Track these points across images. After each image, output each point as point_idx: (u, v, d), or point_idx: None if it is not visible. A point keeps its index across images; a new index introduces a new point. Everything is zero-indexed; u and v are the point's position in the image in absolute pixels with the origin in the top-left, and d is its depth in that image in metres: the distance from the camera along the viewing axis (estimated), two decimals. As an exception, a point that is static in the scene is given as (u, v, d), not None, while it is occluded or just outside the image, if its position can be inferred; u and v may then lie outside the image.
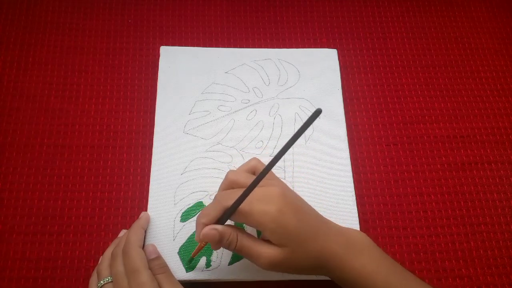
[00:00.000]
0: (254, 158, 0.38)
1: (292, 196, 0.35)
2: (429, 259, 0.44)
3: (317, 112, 0.28)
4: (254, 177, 0.33)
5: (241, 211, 0.33)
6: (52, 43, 0.52)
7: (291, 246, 0.33)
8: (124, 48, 0.53)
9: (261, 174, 0.32)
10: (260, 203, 0.33)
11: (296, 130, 0.30)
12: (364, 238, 0.36)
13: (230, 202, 0.33)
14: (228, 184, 0.36)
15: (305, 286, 0.42)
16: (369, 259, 0.35)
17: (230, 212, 0.33)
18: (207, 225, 0.34)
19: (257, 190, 0.33)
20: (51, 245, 0.42)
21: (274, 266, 0.33)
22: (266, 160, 0.46)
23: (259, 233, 0.41)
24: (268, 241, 0.34)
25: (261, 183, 0.33)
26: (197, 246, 0.37)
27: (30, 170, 0.45)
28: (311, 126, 0.48)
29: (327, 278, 0.40)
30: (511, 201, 0.47)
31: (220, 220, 0.34)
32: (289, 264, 0.34)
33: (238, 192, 0.33)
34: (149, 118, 0.48)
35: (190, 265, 0.40)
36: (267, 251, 0.33)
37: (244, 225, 0.40)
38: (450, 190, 0.47)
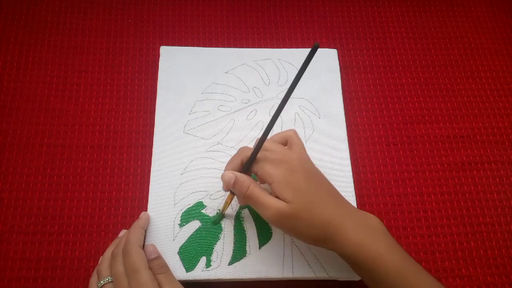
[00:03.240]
0: (292, 129, 0.39)
1: (310, 165, 0.37)
2: (429, 259, 0.44)
3: (316, 47, 0.29)
4: (279, 145, 0.36)
5: (257, 160, 0.36)
6: (52, 43, 0.52)
7: (298, 204, 0.33)
8: (124, 48, 0.53)
9: (272, 120, 0.34)
10: (275, 159, 0.35)
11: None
12: (379, 223, 0.36)
13: (248, 152, 0.36)
14: (239, 157, 0.38)
15: (305, 286, 0.42)
16: (383, 242, 0.34)
17: (250, 160, 0.36)
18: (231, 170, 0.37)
19: (279, 151, 0.36)
20: (51, 245, 0.42)
21: (279, 218, 0.34)
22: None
23: None
24: (274, 197, 0.35)
25: (288, 150, 0.36)
26: (225, 200, 0.40)
27: (30, 170, 0.45)
28: (311, 126, 0.48)
29: (327, 278, 0.41)
30: (511, 201, 0.47)
31: (243, 169, 0.37)
32: (294, 222, 0.34)
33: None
34: (149, 118, 0.48)
35: (215, 224, 0.42)
36: (275, 203, 0.34)
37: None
38: (450, 190, 0.47)
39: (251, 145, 0.46)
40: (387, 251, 0.34)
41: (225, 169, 0.38)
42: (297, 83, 0.32)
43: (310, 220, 0.34)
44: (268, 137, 0.36)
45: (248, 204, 0.37)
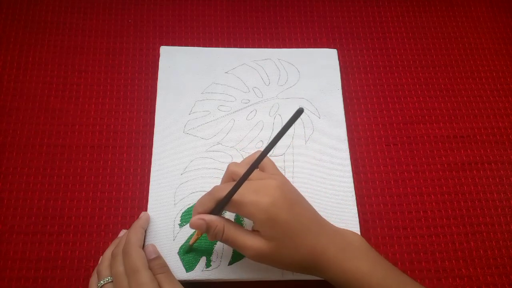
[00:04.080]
0: (258, 151, 0.38)
1: (290, 190, 0.35)
2: (429, 259, 0.44)
3: (299, 112, 0.28)
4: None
5: (233, 202, 0.33)
6: (52, 43, 0.52)
7: (280, 239, 0.33)
8: (124, 48, 0.53)
9: (251, 167, 0.32)
10: (253, 194, 0.33)
11: (285, 129, 0.30)
12: (360, 240, 0.36)
13: (223, 193, 0.34)
14: (228, 175, 0.37)
15: (305, 286, 0.42)
16: (365, 261, 0.34)
17: (223, 203, 0.34)
18: (202, 214, 0.35)
19: (254, 183, 0.33)
20: (51, 245, 0.42)
21: (260, 257, 0.33)
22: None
23: None
24: (257, 232, 0.34)
25: (262, 176, 0.33)
26: (194, 236, 0.39)
27: (30, 170, 0.45)
28: (311, 126, 0.48)
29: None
30: (511, 201, 0.47)
31: (214, 211, 0.35)
32: (276, 258, 0.34)
33: (232, 185, 0.34)
34: (149, 118, 0.48)
35: (187, 253, 0.41)
36: (253, 243, 0.33)
37: (243, 219, 0.40)
38: (450, 190, 0.47)
39: (251, 145, 0.46)
40: (370, 269, 0.34)
41: (196, 211, 0.35)
42: (277, 141, 0.31)
43: (292, 253, 0.33)
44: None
45: (226, 244, 0.35)
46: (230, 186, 0.34)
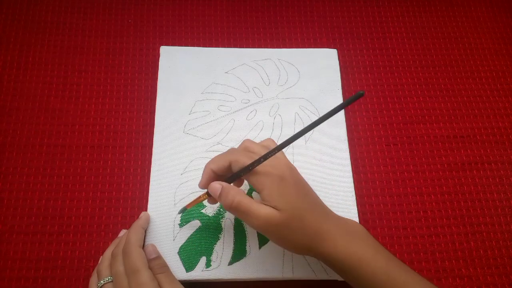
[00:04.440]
0: (270, 139, 0.38)
1: (296, 171, 0.36)
2: (429, 259, 0.44)
3: (359, 95, 0.28)
4: (267, 149, 0.34)
5: (240, 205, 0.34)
6: (52, 43, 0.52)
7: (289, 212, 0.33)
8: (124, 48, 0.53)
9: (279, 146, 0.33)
10: (265, 166, 0.34)
11: (301, 127, 0.31)
12: (362, 228, 0.36)
13: (238, 156, 0.35)
14: (243, 149, 0.37)
15: (306, 286, 0.42)
16: (368, 247, 0.35)
17: (240, 173, 0.35)
18: (214, 172, 0.36)
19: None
20: (51, 245, 0.42)
21: (269, 226, 0.33)
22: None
23: None
24: (264, 205, 0.34)
25: (271, 159, 0.34)
26: (197, 197, 0.38)
27: (30, 170, 0.45)
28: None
29: (327, 278, 0.41)
30: (511, 201, 0.47)
31: (230, 179, 0.36)
32: (283, 232, 0.34)
33: (251, 154, 0.35)
34: (149, 118, 0.48)
35: (181, 215, 0.42)
36: (265, 211, 0.33)
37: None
38: (450, 190, 0.47)
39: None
40: (373, 254, 0.34)
41: (207, 167, 0.36)
42: (319, 123, 0.31)
43: (300, 228, 0.34)
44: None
45: (234, 214, 0.35)
46: (246, 154, 0.35)
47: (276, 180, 0.34)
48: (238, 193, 0.34)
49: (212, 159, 0.37)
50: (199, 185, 0.37)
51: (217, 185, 0.35)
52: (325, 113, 0.30)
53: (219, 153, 0.42)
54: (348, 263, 0.34)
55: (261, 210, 0.33)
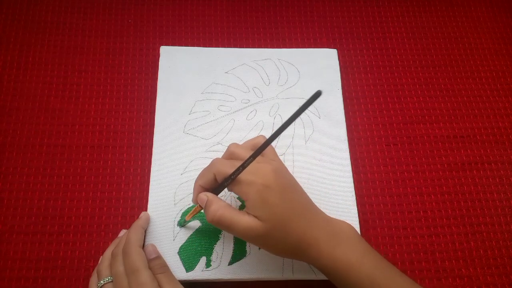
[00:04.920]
0: (261, 136, 0.38)
1: (284, 176, 0.36)
2: (429, 259, 0.44)
3: (317, 94, 0.28)
4: (254, 151, 0.34)
5: (221, 220, 0.34)
6: (52, 43, 0.52)
7: (272, 222, 0.33)
8: (124, 48, 0.53)
9: (256, 151, 0.33)
10: (249, 174, 0.34)
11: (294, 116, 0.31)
12: (351, 230, 0.36)
13: (222, 167, 0.35)
14: (228, 155, 0.37)
15: (306, 286, 0.42)
16: (354, 250, 0.34)
17: (224, 184, 0.35)
18: (202, 186, 0.37)
19: (251, 165, 0.34)
20: (51, 245, 0.42)
21: (252, 237, 0.33)
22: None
23: None
24: (248, 214, 0.34)
25: (259, 159, 0.34)
26: (193, 209, 0.39)
27: (30, 170, 0.45)
28: (311, 126, 0.48)
29: (326, 278, 0.41)
30: (511, 201, 0.47)
31: (216, 189, 0.36)
32: (268, 241, 0.34)
33: (234, 162, 0.35)
34: (149, 118, 0.48)
35: (183, 225, 0.42)
36: (247, 222, 0.33)
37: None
38: (450, 190, 0.47)
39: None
40: (359, 259, 0.34)
41: (196, 183, 0.37)
42: (290, 123, 0.31)
43: (283, 237, 0.33)
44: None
45: (218, 227, 0.36)
46: (228, 163, 0.35)
47: (259, 189, 0.33)
48: (220, 206, 0.34)
49: (199, 174, 0.37)
50: (192, 201, 0.38)
51: (203, 197, 0.35)
52: (289, 117, 0.31)
53: (219, 153, 0.42)
54: (334, 269, 0.34)
55: (242, 221, 0.33)
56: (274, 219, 0.33)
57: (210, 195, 0.35)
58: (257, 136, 0.38)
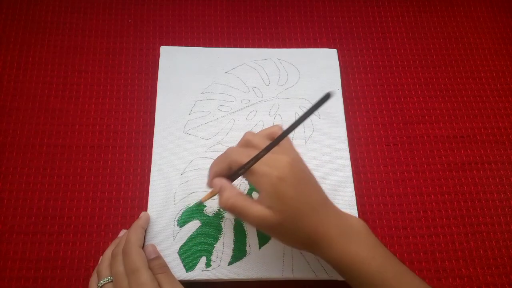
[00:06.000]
0: (277, 125, 0.37)
1: (300, 168, 0.35)
2: (429, 259, 0.44)
3: (327, 96, 0.28)
4: (268, 142, 0.34)
5: (235, 207, 0.34)
6: (52, 43, 0.52)
7: (283, 214, 0.33)
8: (124, 48, 0.53)
9: (272, 143, 0.33)
10: (264, 165, 0.34)
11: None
12: (362, 225, 0.36)
13: (237, 156, 0.35)
14: (244, 143, 0.37)
15: (305, 286, 0.42)
16: (365, 246, 0.34)
17: (238, 172, 0.35)
18: (217, 173, 0.36)
19: (267, 155, 0.34)
20: (51, 245, 0.42)
21: (265, 227, 0.34)
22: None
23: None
24: (263, 202, 0.34)
25: (276, 150, 0.34)
26: (209, 192, 0.38)
27: (30, 170, 0.45)
28: (311, 126, 0.48)
29: (327, 278, 0.41)
30: (511, 201, 0.47)
31: (231, 177, 0.36)
32: (280, 231, 0.34)
33: (250, 151, 0.34)
34: (149, 118, 0.48)
35: (198, 207, 0.42)
36: (259, 212, 0.33)
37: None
38: (450, 190, 0.47)
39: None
40: (369, 255, 0.34)
41: (210, 171, 0.37)
42: (301, 122, 0.32)
43: (295, 230, 0.33)
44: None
45: (230, 213, 0.36)
46: (244, 151, 0.35)
47: (274, 182, 0.33)
48: (232, 194, 0.34)
49: (214, 161, 0.37)
50: (207, 184, 0.38)
51: (217, 182, 0.36)
52: (299, 117, 0.32)
53: (219, 153, 0.42)
54: (344, 264, 0.34)
55: (255, 210, 0.33)
56: (287, 211, 0.33)
57: (224, 181, 0.35)
58: (273, 126, 0.37)
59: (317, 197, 0.36)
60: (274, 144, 0.33)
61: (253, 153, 0.34)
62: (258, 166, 0.34)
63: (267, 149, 0.33)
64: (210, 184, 0.37)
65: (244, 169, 0.34)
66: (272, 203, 0.33)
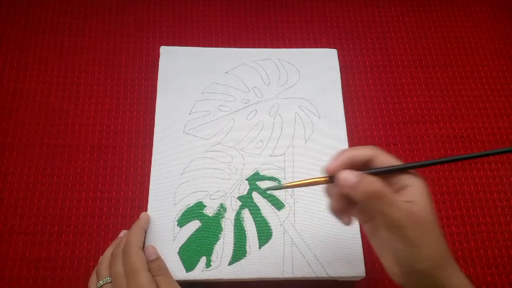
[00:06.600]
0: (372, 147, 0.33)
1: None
2: (429, 259, 0.44)
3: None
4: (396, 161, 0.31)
5: (382, 193, 0.29)
6: (52, 43, 0.52)
7: (429, 215, 0.30)
8: (124, 48, 0.53)
9: (425, 162, 0.31)
10: (403, 197, 0.30)
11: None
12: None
13: (382, 154, 0.31)
14: (347, 158, 0.32)
15: (306, 286, 0.42)
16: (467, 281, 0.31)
17: (395, 169, 0.31)
18: (352, 159, 0.31)
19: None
20: (51, 245, 0.42)
21: (410, 221, 0.29)
22: (265, 160, 0.46)
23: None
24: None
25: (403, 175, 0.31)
26: (312, 179, 0.33)
27: (30, 170, 0.45)
28: (311, 126, 0.48)
29: (327, 278, 0.40)
30: (511, 201, 0.47)
31: (372, 173, 0.31)
32: (423, 231, 0.30)
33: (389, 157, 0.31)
34: (149, 118, 0.48)
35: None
36: (408, 204, 0.29)
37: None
38: (450, 190, 0.47)
39: (251, 145, 0.46)
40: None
41: (346, 153, 0.32)
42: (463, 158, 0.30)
43: (437, 237, 0.30)
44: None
45: (368, 203, 0.30)
46: (387, 154, 0.32)
47: (425, 193, 0.30)
48: (377, 180, 0.30)
49: (351, 147, 0.33)
50: (327, 168, 0.32)
51: (351, 175, 0.30)
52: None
53: (219, 153, 0.42)
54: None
55: (402, 202, 0.29)
56: (431, 216, 0.30)
57: (361, 173, 0.30)
58: (368, 148, 0.33)
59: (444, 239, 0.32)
60: (427, 164, 0.31)
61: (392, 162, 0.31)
62: (408, 177, 0.31)
63: (415, 165, 0.31)
64: (334, 170, 0.31)
65: (394, 169, 0.31)
66: (422, 200, 0.30)
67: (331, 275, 0.40)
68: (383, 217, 0.30)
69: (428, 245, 0.30)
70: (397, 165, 0.31)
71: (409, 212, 0.29)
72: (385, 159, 0.31)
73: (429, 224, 0.30)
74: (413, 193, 0.30)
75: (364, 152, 0.32)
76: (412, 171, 0.32)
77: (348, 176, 0.30)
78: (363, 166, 0.32)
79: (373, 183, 0.29)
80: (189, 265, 0.40)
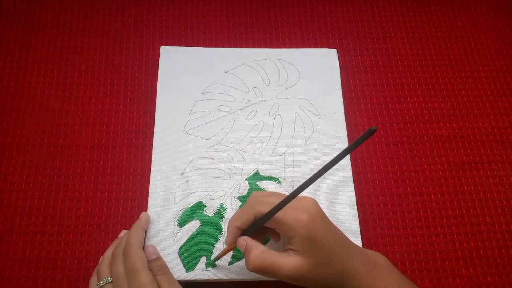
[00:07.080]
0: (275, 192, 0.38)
1: (321, 208, 0.35)
2: (429, 259, 0.44)
3: (371, 131, 0.27)
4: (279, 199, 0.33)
5: (274, 217, 0.33)
6: (52, 43, 0.52)
7: (317, 256, 0.32)
8: (124, 48, 0.53)
9: (300, 187, 0.31)
10: (293, 210, 0.33)
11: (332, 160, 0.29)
12: (384, 259, 0.36)
13: (261, 207, 0.34)
14: (258, 199, 0.36)
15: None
16: (391, 279, 0.34)
17: (264, 220, 0.34)
18: (239, 228, 0.35)
19: (292, 201, 0.33)
20: (51, 245, 0.42)
21: (297, 277, 0.33)
22: (265, 160, 0.46)
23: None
24: (291, 252, 0.33)
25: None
26: (224, 249, 0.38)
27: (30, 170, 0.45)
28: (311, 126, 0.48)
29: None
30: (511, 201, 0.47)
31: (251, 228, 0.35)
32: (312, 276, 0.33)
33: (271, 197, 0.34)
34: (149, 118, 0.48)
35: (212, 266, 0.40)
36: (292, 262, 0.32)
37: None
38: (450, 190, 0.47)
39: (251, 145, 0.46)
40: (395, 286, 0.34)
41: (231, 225, 0.36)
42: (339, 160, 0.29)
43: (327, 272, 0.33)
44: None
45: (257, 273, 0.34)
46: (267, 197, 0.35)
47: (306, 225, 0.32)
48: (259, 252, 0.34)
49: (234, 215, 0.36)
50: (225, 242, 0.37)
51: (242, 242, 0.35)
52: (335, 156, 0.29)
53: (219, 153, 0.42)
54: None
55: (286, 263, 0.33)
56: (321, 254, 0.33)
57: (249, 240, 0.35)
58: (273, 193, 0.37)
59: (341, 235, 0.35)
60: (302, 189, 0.32)
61: (276, 200, 0.33)
62: (285, 213, 0.33)
63: (294, 194, 0.32)
64: (231, 242, 0.36)
65: (267, 218, 0.33)
66: (306, 248, 0.32)
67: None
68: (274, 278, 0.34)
69: (321, 282, 0.33)
70: (270, 212, 0.33)
71: (293, 271, 0.32)
72: (265, 210, 0.34)
73: (315, 267, 0.33)
74: (298, 241, 0.33)
75: (247, 218, 0.35)
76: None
77: (240, 244, 0.35)
78: (256, 221, 0.35)
79: (257, 259, 0.33)
80: (189, 265, 0.40)
